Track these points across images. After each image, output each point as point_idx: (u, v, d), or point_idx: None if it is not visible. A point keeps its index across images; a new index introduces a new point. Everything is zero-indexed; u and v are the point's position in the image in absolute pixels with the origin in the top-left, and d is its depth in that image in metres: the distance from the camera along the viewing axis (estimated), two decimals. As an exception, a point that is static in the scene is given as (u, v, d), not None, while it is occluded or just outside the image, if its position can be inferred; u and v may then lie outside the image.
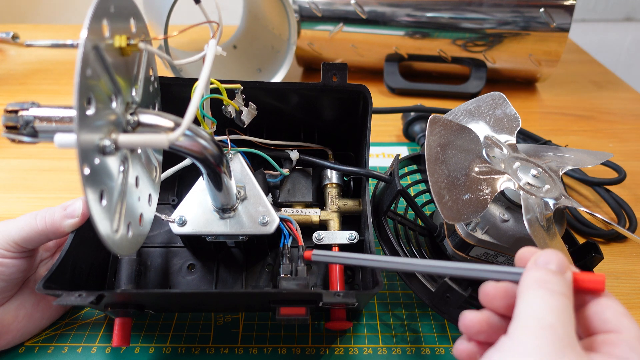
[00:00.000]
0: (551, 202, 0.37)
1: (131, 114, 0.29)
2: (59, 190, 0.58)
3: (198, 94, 0.27)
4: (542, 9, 0.73)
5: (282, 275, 0.40)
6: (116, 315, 0.36)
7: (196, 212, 0.40)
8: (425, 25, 0.76)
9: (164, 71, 0.73)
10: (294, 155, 0.47)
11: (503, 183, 0.37)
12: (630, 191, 0.60)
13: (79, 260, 0.38)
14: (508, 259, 0.40)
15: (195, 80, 0.33)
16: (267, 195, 0.43)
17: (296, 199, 0.47)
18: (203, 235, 0.40)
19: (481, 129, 0.43)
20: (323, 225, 0.46)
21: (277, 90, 0.45)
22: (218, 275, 0.44)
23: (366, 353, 0.40)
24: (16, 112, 0.27)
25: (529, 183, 0.38)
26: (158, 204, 0.39)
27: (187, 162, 0.44)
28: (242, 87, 0.39)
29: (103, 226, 0.25)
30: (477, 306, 0.29)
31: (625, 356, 0.23)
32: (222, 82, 0.38)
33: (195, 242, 0.43)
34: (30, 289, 0.39)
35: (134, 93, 0.31)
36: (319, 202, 0.48)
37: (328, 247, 0.44)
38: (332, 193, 0.47)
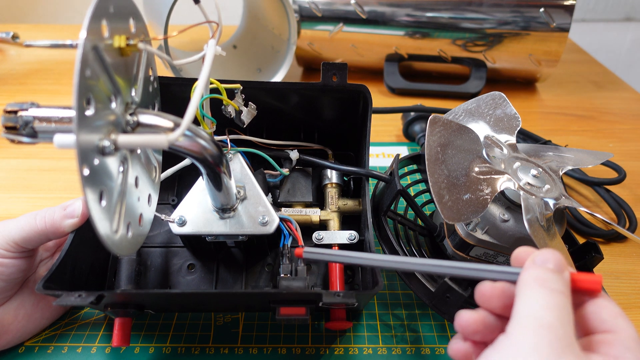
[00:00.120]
0: (551, 202, 0.37)
1: (131, 114, 0.29)
2: (59, 190, 0.58)
3: (198, 94, 0.27)
4: (542, 9, 0.73)
5: (282, 275, 0.40)
6: (116, 315, 0.36)
7: (196, 212, 0.40)
8: (425, 25, 0.76)
9: (163, 71, 0.73)
10: (294, 155, 0.47)
11: (503, 183, 0.37)
12: (630, 191, 0.60)
13: (79, 260, 0.38)
14: (508, 259, 0.40)
15: (195, 80, 0.33)
16: (267, 195, 0.43)
17: (296, 199, 0.47)
18: (203, 235, 0.40)
19: (481, 129, 0.43)
20: (323, 225, 0.46)
21: (277, 90, 0.45)
22: (218, 275, 0.44)
23: (366, 353, 0.40)
24: (15, 112, 0.27)
25: (529, 183, 0.38)
26: (158, 204, 0.39)
27: (186, 162, 0.44)
28: (242, 87, 0.39)
29: (103, 226, 0.25)
30: (477, 306, 0.29)
31: (622, 356, 0.23)
32: (222, 82, 0.38)
33: (195, 242, 0.43)
34: (30, 289, 0.39)
35: (133, 93, 0.31)
36: (319, 202, 0.48)
37: (328, 247, 0.44)
38: (332, 193, 0.47)
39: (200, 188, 0.41)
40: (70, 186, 0.58)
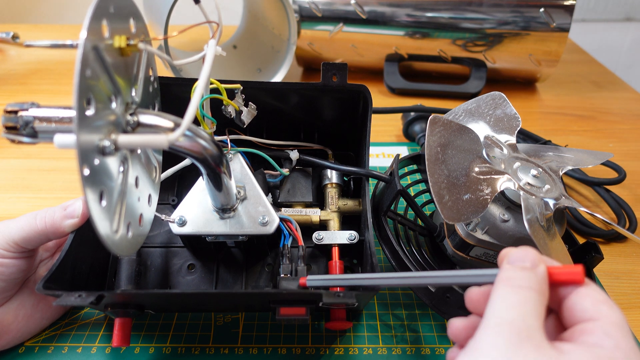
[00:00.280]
0: (551, 202, 0.37)
1: (131, 115, 0.29)
2: (59, 190, 0.58)
3: (198, 94, 0.27)
4: (542, 9, 0.73)
5: (282, 275, 0.40)
6: (116, 316, 0.36)
7: (196, 212, 0.40)
8: (425, 25, 0.76)
9: (163, 71, 0.73)
10: (294, 155, 0.47)
11: (503, 183, 0.37)
12: (630, 191, 0.60)
13: (79, 260, 0.38)
14: (508, 259, 0.40)
15: (195, 80, 0.33)
16: (267, 195, 0.43)
17: (296, 199, 0.47)
18: (203, 235, 0.40)
19: (481, 129, 0.43)
20: (323, 225, 0.46)
21: (277, 90, 0.45)
22: (218, 275, 0.44)
23: (366, 353, 0.40)
24: (16, 112, 0.27)
25: (529, 183, 0.38)
26: (158, 204, 0.39)
27: (187, 162, 0.44)
28: (242, 87, 0.39)
29: (103, 226, 0.25)
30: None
31: (600, 343, 0.22)
32: (222, 82, 0.38)
33: (195, 242, 0.43)
34: (30, 289, 0.39)
35: (133, 93, 0.31)
36: (319, 202, 0.48)
37: (328, 247, 0.44)
38: (332, 193, 0.47)
39: (200, 188, 0.41)
40: (70, 186, 0.58)
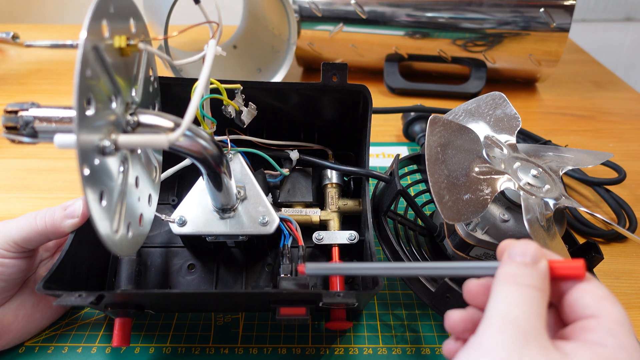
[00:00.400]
0: (551, 202, 0.37)
1: (131, 115, 0.29)
2: (59, 190, 0.58)
3: (198, 94, 0.27)
4: (542, 9, 0.73)
5: (282, 275, 0.40)
6: (116, 316, 0.36)
7: (196, 212, 0.40)
8: (425, 25, 0.76)
9: (164, 71, 0.73)
10: (294, 155, 0.47)
11: (503, 183, 0.37)
12: (630, 191, 0.60)
13: (79, 260, 0.38)
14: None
15: (195, 80, 0.33)
16: (267, 195, 0.43)
17: (296, 199, 0.47)
18: (203, 235, 0.40)
19: (481, 129, 0.43)
20: (323, 225, 0.46)
21: (277, 90, 0.45)
22: (218, 275, 0.44)
23: (366, 353, 0.40)
24: (16, 112, 0.27)
25: (529, 183, 0.38)
26: (158, 204, 0.39)
27: (187, 162, 0.44)
28: (242, 87, 0.39)
29: (103, 226, 0.25)
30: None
31: (602, 341, 0.22)
32: (222, 82, 0.38)
33: (195, 242, 0.43)
34: (30, 289, 0.39)
35: (133, 93, 0.31)
36: (319, 202, 0.48)
37: (328, 247, 0.44)
38: (332, 193, 0.47)
39: (201, 188, 0.41)
40: (70, 186, 0.58)
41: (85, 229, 0.38)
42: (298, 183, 0.48)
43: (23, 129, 0.27)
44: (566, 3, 0.72)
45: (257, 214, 0.40)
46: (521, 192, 0.37)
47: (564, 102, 0.82)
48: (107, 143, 0.25)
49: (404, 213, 0.47)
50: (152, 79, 0.36)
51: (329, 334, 0.41)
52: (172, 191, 0.49)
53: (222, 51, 0.34)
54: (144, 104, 0.34)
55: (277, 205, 0.47)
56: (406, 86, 0.81)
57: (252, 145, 0.46)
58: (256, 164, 0.46)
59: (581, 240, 0.44)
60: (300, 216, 0.45)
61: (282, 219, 0.42)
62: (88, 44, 0.24)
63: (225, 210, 0.40)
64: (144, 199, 0.33)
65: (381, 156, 0.66)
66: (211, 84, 0.37)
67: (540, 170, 0.40)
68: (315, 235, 0.43)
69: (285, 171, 0.47)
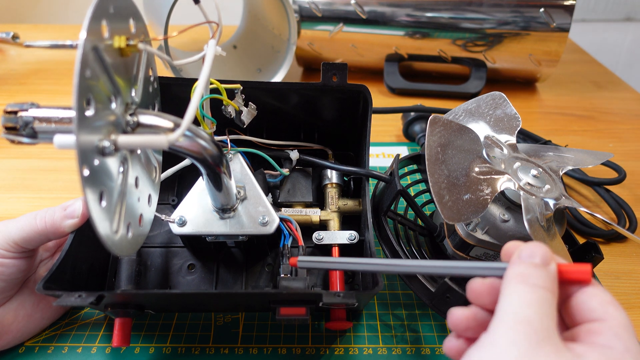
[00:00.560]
0: (551, 202, 0.37)
1: (131, 115, 0.29)
2: (59, 190, 0.58)
3: (198, 94, 0.27)
4: (542, 9, 0.73)
5: (282, 275, 0.40)
6: (116, 316, 0.36)
7: (196, 212, 0.40)
8: (425, 25, 0.76)
9: (163, 71, 0.73)
10: (294, 155, 0.47)
11: (503, 183, 0.37)
12: (630, 191, 0.60)
13: (79, 260, 0.38)
14: (508, 259, 0.40)
15: (195, 80, 0.33)
16: (267, 195, 0.43)
17: (296, 199, 0.47)
18: (203, 236, 0.40)
19: (481, 129, 0.43)
20: (323, 225, 0.46)
21: (277, 90, 0.45)
22: (218, 276, 0.44)
23: (366, 353, 0.40)
24: (15, 112, 0.27)
25: (529, 183, 0.38)
26: (158, 204, 0.39)
27: (187, 162, 0.44)
28: (242, 87, 0.39)
29: (103, 227, 0.25)
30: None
31: (609, 344, 0.22)
32: (222, 82, 0.38)
33: (195, 242, 0.43)
34: (30, 289, 0.39)
35: (133, 93, 0.31)
36: (319, 202, 0.48)
37: (328, 247, 0.44)
38: (332, 193, 0.47)
39: (200, 188, 0.41)
40: (70, 186, 0.58)
41: (85, 229, 0.38)
42: (298, 183, 0.48)
43: (23, 130, 0.27)
44: (566, 3, 0.72)
45: (257, 214, 0.40)
46: (521, 192, 0.37)
47: (564, 102, 0.82)
48: (106, 143, 0.25)
49: (404, 213, 0.47)
50: (152, 79, 0.36)
51: (329, 334, 0.41)
52: (172, 191, 0.49)
53: (222, 51, 0.34)
54: (144, 104, 0.34)
55: (277, 205, 0.47)
56: (406, 86, 0.81)
57: (252, 145, 0.46)
58: (256, 164, 0.46)
59: (581, 240, 0.44)
60: (300, 216, 0.45)
61: (282, 219, 0.42)
62: (88, 44, 0.24)
63: (225, 210, 0.40)
64: (144, 199, 0.33)
65: (381, 156, 0.66)
66: (211, 84, 0.37)
67: (540, 170, 0.40)
68: (315, 235, 0.43)
69: (285, 171, 0.47)
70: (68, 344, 0.40)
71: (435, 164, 0.36)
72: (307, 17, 0.78)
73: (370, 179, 0.45)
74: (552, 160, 0.42)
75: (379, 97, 0.82)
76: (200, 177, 0.41)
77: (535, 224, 0.34)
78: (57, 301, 0.31)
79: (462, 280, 0.38)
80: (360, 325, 0.42)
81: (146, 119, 0.29)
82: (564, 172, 0.41)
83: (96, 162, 0.25)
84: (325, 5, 0.77)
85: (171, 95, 0.40)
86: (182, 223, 0.39)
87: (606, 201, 0.57)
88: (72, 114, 0.23)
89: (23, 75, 0.85)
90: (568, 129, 0.74)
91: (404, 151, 0.68)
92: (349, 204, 0.47)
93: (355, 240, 0.43)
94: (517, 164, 0.40)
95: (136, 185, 0.31)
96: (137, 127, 0.29)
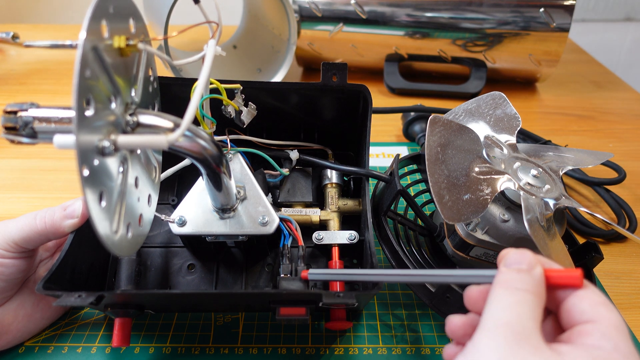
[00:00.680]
0: (551, 202, 0.37)
1: (130, 115, 0.29)
2: (59, 190, 0.58)
3: (198, 94, 0.27)
4: (542, 9, 0.73)
5: (282, 275, 0.40)
6: (116, 316, 0.36)
7: (196, 212, 0.40)
8: (425, 25, 0.76)
9: (163, 71, 0.73)
10: (294, 155, 0.47)
11: (503, 183, 0.37)
12: (630, 191, 0.60)
13: (79, 260, 0.38)
14: (508, 259, 0.40)
15: (195, 80, 0.33)
16: (267, 195, 0.43)
17: (296, 199, 0.47)
18: (203, 236, 0.40)
19: (481, 129, 0.43)
20: (323, 225, 0.46)
21: (277, 90, 0.45)
22: (218, 276, 0.44)
23: (366, 353, 0.40)
24: (15, 112, 0.27)
25: (529, 183, 0.38)
26: (158, 204, 0.39)
27: (186, 162, 0.44)
28: (242, 87, 0.39)
29: (102, 227, 0.25)
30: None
31: (598, 344, 0.22)
32: (222, 82, 0.38)
33: (195, 242, 0.43)
34: (30, 289, 0.39)
35: (133, 93, 0.31)
36: (319, 202, 0.48)
37: (328, 247, 0.44)
38: (332, 193, 0.47)
39: (200, 188, 0.41)
40: (70, 186, 0.58)
41: (85, 229, 0.38)
42: (298, 183, 0.48)
43: (22, 130, 0.27)
44: (566, 3, 0.72)
45: (257, 214, 0.40)
46: (521, 192, 0.37)
47: (564, 102, 0.82)
48: (106, 143, 0.25)
49: (404, 213, 0.47)
50: (151, 79, 0.36)
51: (329, 334, 0.41)
52: (172, 191, 0.49)
53: (222, 51, 0.34)
54: (144, 104, 0.34)
55: (277, 205, 0.47)
56: (406, 86, 0.81)
57: (252, 145, 0.46)
58: (256, 164, 0.46)
59: (581, 240, 0.44)
60: (300, 216, 0.45)
61: (282, 219, 0.42)
62: (87, 44, 0.24)
63: (225, 210, 0.40)
64: (144, 199, 0.33)
65: (381, 156, 0.66)
66: (211, 84, 0.37)
67: (540, 170, 0.40)
68: (315, 235, 0.43)
69: (285, 171, 0.47)
70: (68, 344, 0.40)
71: (435, 164, 0.36)
72: (307, 17, 0.78)
73: (370, 178, 0.45)
74: (552, 160, 0.42)
75: (379, 97, 0.82)
76: (200, 177, 0.41)
77: (535, 224, 0.34)
78: (57, 301, 0.31)
79: (462, 280, 0.38)
80: (360, 325, 0.42)
81: (146, 119, 0.29)
82: (564, 172, 0.41)
83: (96, 162, 0.25)
84: (325, 5, 0.77)
85: (171, 95, 0.40)
86: (182, 223, 0.39)
87: (606, 201, 0.57)
88: (72, 114, 0.23)
89: (23, 75, 0.85)
90: (568, 129, 0.74)
91: (404, 151, 0.68)
92: (349, 203, 0.47)
93: (355, 240, 0.43)
94: (517, 164, 0.40)
95: (136, 185, 0.31)
96: (137, 127, 0.29)
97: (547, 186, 0.38)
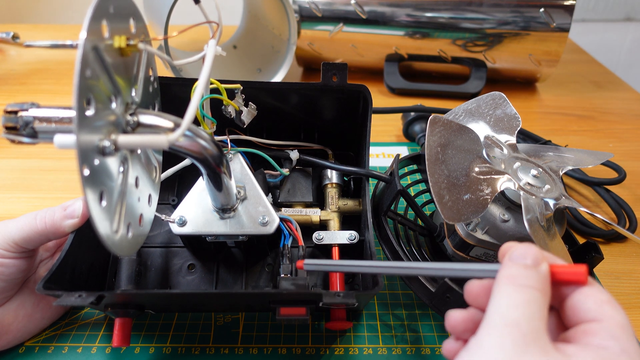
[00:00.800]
0: (551, 202, 0.37)
1: (131, 115, 0.29)
2: (59, 190, 0.58)
3: (198, 94, 0.27)
4: (542, 9, 0.73)
5: (282, 275, 0.40)
6: (116, 316, 0.36)
7: (196, 212, 0.40)
8: (425, 25, 0.76)
9: (164, 71, 0.73)
10: (294, 155, 0.47)
11: (503, 183, 0.37)
12: (630, 191, 0.60)
13: (79, 260, 0.38)
14: (508, 259, 0.40)
15: (195, 80, 0.33)
16: (267, 195, 0.43)
17: (296, 199, 0.47)
18: (203, 236, 0.40)
19: (481, 129, 0.43)
20: (323, 225, 0.46)
21: (277, 90, 0.45)
22: (218, 276, 0.44)
23: (366, 353, 0.40)
24: (16, 112, 0.27)
25: (529, 183, 0.38)
26: (158, 204, 0.39)
27: (187, 162, 0.44)
28: (242, 87, 0.39)
29: (103, 227, 0.25)
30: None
31: (605, 344, 0.22)
32: (222, 82, 0.38)
33: (195, 242, 0.43)
34: (30, 289, 0.39)
35: (133, 93, 0.31)
36: (319, 202, 0.48)
37: (328, 247, 0.44)
38: (332, 193, 0.47)
39: (201, 188, 0.41)
40: (70, 186, 0.58)
41: (85, 229, 0.38)
42: (298, 183, 0.48)
43: (23, 129, 0.27)
44: (566, 3, 0.72)
45: (257, 214, 0.40)
46: (521, 192, 0.37)
47: (564, 102, 0.82)
48: (107, 143, 0.25)
49: (404, 213, 0.47)
50: (152, 79, 0.36)
51: (329, 334, 0.41)
52: (172, 191, 0.49)
53: (222, 51, 0.34)
54: (144, 104, 0.34)
55: (277, 205, 0.47)
56: (406, 86, 0.81)
57: (252, 145, 0.46)
58: (256, 164, 0.46)
59: (581, 240, 0.44)
60: (300, 216, 0.45)
61: (282, 219, 0.42)
62: (88, 44, 0.24)
63: (225, 210, 0.40)
64: (144, 199, 0.33)
65: (381, 156, 0.66)
66: (211, 84, 0.37)
67: (540, 170, 0.40)
68: (315, 235, 0.43)
69: (285, 171, 0.47)
70: (68, 344, 0.40)
71: (435, 164, 0.36)
72: (307, 17, 0.78)
73: (370, 179, 0.45)
74: (552, 160, 0.42)
75: (379, 97, 0.82)
76: (200, 177, 0.41)
77: (535, 224, 0.34)
78: (57, 301, 0.31)
79: (461, 281, 0.38)
80: (360, 325, 0.42)
81: (146, 118, 0.29)
82: (564, 172, 0.41)
83: (96, 162, 0.25)
84: (325, 5, 0.77)
85: (171, 95, 0.40)
86: (182, 223, 0.39)
87: (606, 201, 0.57)
88: (72, 113, 0.23)
89: (23, 75, 0.85)
90: (568, 129, 0.74)
91: (404, 151, 0.68)
92: (349, 204, 0.47)
93: (355, 240, 0.43)
94: (517, 164, 0.40)
95: (136, 185, 0.31)
96: (137, 127, 0.29)
97: (547, 186, 0.38)
